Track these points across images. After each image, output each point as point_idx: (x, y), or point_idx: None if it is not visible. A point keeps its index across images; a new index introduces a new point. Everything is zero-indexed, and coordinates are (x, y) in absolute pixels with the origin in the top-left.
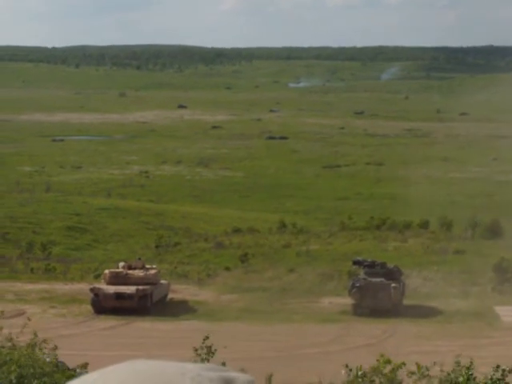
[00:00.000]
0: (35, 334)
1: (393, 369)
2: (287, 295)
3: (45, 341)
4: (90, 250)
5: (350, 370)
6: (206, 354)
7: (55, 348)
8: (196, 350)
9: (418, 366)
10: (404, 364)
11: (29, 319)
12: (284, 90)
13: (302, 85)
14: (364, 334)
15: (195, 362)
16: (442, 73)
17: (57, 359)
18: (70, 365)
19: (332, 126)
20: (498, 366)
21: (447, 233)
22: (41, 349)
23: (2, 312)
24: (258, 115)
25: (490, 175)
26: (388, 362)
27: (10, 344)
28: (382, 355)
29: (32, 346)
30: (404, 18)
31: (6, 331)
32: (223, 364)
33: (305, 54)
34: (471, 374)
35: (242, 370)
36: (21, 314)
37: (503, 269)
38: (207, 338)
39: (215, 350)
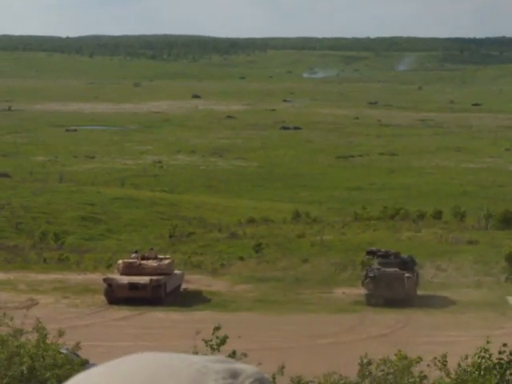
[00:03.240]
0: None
1: (409, 363)
2: (301, 285)
3: (61, 333)
4: (104, 239)
5: (369, 362)
6: (216, 345)
7: (61, 334)
8: (206, 342)
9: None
10: (420, 359)
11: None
12: (298, 81)
13: (317, 75)
14: (378, 324)
15: (205, 352)
16: (455, 64)
17: (67, 349)
18: (84, 356)
19: (346, 117)
20: (505, 345)
21: (460, 223)
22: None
23: None
24: (272, 105)
25: (503, 165)
26: (404, 357)
27: (20, 335)
28: (399, 351)
29: (43, 337)
30: (418, 9)
31: (17, 322)
32: (233, 353)
33: (319, 44)
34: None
35: (256, 362)
36: (34, 304)
37: None
38: (218, 328)
39: (226, 337)
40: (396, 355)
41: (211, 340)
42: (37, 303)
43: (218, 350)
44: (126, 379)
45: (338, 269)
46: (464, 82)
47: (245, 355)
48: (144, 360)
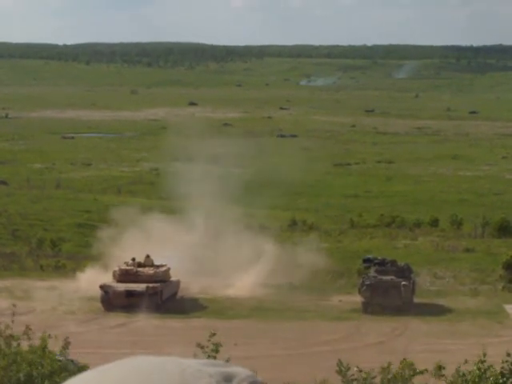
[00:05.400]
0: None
1: (413, 374)
2: (298, 293)
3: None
4: None
5: (360, 370)
6: (212, 351)
7: (66, 346)
8: (202, 348)
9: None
10: (426, 370)
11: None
12: (295, 88)
13: (314, 83)
14: (374, 332)
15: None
16: (452, 71)
17: (66, 357)
18: (80, 363)
19: (342, 124)
20: (508, 355)
21: (457, 231)
22: (48, 351)
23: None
24: (269, 113)
25: (500, 173)
26: (411, 364)
27: (16, 342)
28: (404, 359)
29: (43, 345)
30: (415, 17)
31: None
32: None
33: (315, 52)
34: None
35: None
36: (30, 311)
37: None
38: (214, 334)
39: (221, 344)
40: (402, 364)
41: (208, 346)
42: (33, 310)
43: (215, 357)
44: (120, 383)
45: (334, 276)
46: (461, 90)
47: (240, 363)
48: (137, 364)
